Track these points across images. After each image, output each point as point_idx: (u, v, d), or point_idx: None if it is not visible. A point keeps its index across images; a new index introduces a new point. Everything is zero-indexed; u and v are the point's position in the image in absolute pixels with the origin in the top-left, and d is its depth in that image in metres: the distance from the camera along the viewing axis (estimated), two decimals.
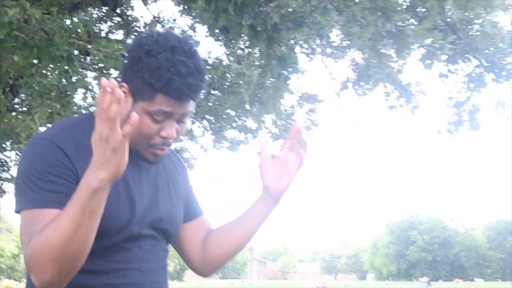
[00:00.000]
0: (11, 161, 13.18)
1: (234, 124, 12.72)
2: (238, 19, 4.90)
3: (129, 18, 12.16)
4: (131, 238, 1.82)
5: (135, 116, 1.49)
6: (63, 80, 6.76)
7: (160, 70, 1.69)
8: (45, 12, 7.41)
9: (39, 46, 7.04)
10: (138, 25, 12.43)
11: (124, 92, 1.74)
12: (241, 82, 7.73)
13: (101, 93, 1.45)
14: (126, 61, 1.79)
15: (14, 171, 13.34)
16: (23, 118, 6.36)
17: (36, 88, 6.89)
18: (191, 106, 1.78)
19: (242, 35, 5.98)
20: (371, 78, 6.51)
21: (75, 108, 7.55)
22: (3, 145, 12.71)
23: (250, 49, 11.78)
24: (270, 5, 5.15)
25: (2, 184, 13.11)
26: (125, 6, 11.80)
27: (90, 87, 6.65)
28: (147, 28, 12.59)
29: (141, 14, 12.69)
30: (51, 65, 7.05)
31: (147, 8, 12.56)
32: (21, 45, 6.96)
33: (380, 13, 4.42)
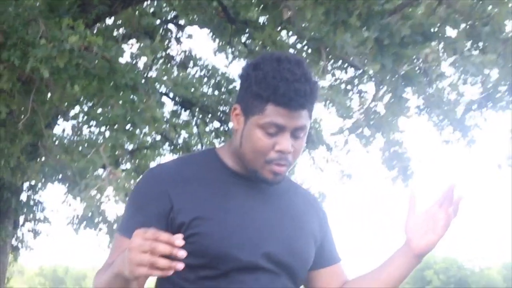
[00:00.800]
0: (44, 201, 12.69)
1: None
2: (360, 32, 4.45)
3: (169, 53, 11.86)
4: (245, 269, 1.71)
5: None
6: (129, 110, 6.28)
7: (266, 79, 1.68)
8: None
9: (101, 75, 6.59)
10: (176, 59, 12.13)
11: (236, 114, 1.77)
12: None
13: (167, 237, 1.45)
14: (239, 84, 1.81)
15: (47, 212, 12.85)
16: (87, 152, 5.87)
17: (99, 119, 6.42)
18: (304, 118, 1.71)
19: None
20: (503, 97, 5.99)
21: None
22: (38, 185, 12.24)
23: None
24: (393, 17, 4.66)
25: (36, 223, 12.60)
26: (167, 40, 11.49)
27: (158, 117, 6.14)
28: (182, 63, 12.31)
29: (188, 48, 12.34)
30: (113, 95, 6.57)
31: (179, 47, 12.27)
32: (82, 74, 6.51)
33: None
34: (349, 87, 7.13)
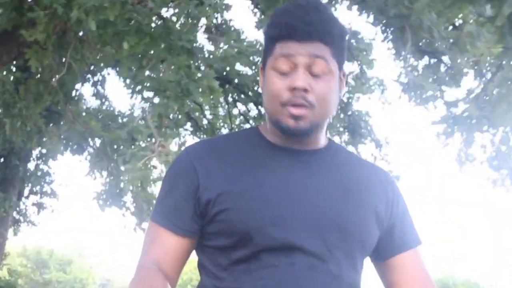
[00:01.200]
0: (54, 173, 11.92)
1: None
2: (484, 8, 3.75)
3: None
4: (280, 250, 1.48)
5: None
6: (184, 76, 5.52)
7: (273, 18, 1.59)
8: None
9: (153, 34, 5.83)
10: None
11: (261, 69, 1.67)
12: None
13: None
14: None
15: (55, 185, 12.09)
16: (130, 120, 5.12)
17: (147, 84, 5.66)
18: (318, 50, 1.51)
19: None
20: None
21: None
22: (49, 156, 11.48)
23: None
24: None
25: (41, 197, 11.82)
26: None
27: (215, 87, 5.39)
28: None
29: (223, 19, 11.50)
30: (166, 58, 5.81)
31: (217, 17, 11.48)
32: (133, 30, 5.73)
33: None
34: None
